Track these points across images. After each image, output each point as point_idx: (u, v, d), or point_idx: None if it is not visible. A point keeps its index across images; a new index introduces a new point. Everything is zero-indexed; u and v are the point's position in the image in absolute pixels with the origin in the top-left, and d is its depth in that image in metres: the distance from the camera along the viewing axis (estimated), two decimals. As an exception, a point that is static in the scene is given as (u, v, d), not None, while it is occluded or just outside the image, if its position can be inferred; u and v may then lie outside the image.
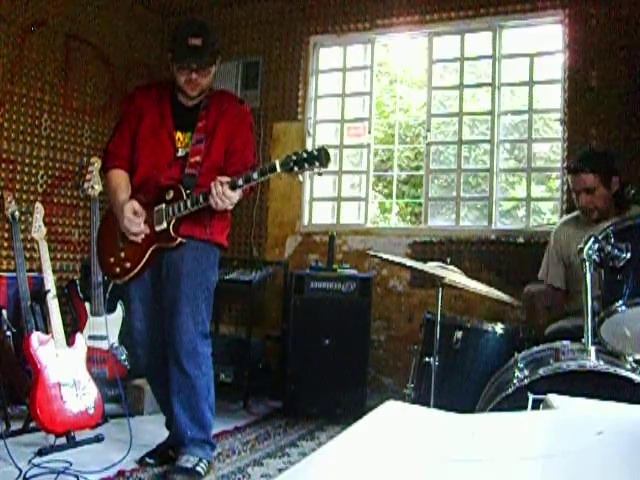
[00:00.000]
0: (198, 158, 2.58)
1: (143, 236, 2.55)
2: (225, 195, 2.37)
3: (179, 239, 2.53)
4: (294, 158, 2.29)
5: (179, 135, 2.64)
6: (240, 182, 2.39)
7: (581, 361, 1.72)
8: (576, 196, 2.91)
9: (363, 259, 4.30)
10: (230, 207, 2.45)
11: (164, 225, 2.53)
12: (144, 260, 2.56)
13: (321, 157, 2.26)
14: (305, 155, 2.28)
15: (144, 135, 2.65)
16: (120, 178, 2.66)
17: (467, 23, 4.24)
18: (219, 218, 2.65)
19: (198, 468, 2.56)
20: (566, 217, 3.19)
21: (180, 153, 2.62)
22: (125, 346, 3.52)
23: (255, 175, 2.38)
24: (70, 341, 2.99)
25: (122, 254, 2.61)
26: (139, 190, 2.63)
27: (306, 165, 2.28)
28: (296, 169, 2.29)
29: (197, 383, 2.59)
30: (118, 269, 2.61)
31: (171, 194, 2.53)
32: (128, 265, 2.59)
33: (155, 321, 2.68)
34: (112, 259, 2.64)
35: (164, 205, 2.53)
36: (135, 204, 2.54)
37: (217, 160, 2.62)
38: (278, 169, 2.32)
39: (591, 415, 0.96)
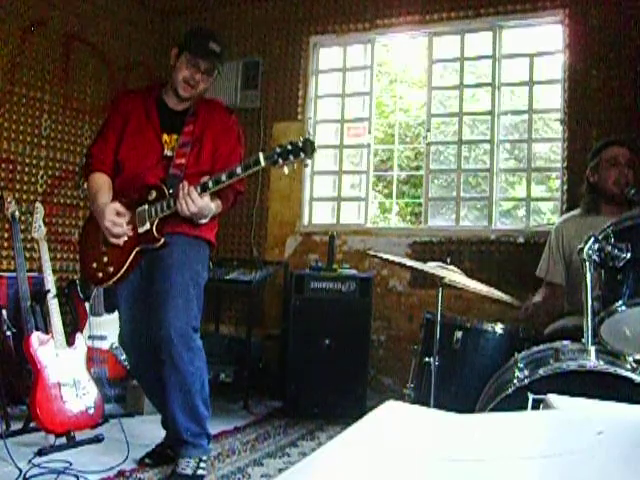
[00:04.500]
0: (183, 160, 2.55)
1: (126, 238, 2.50)
2: (191, 197, 2.34)
3: (162, 240, 2.49)
4: (278, 151, 2.24)
5: (165, 137, 2.62)
6: (210, 184, 2.36)
7: (581, 361, 1.72)
8: (614, 170, 2.91)
9: (363, 259, 4.30)
10: (198, 212, 2.38)
11: (147, 226, 2.49)
12: (128, 262, 2.51)
13: (306, 148, 2.22)
14: (289, 147, 2.23)
15: (130, 137, 2.62)
16: (102, 181, 2.63)
17: (467, 23, 4.24)
18: None
19: (199, 471, 2.55)
20: (567, 214, 3.18)
21: (167, 153, 2.59)
22: (125, 346, 3.52)
23: (239, 170, 2.32)
24: (70, 341, 2.99)
25: (105, 258, 2.55)
26: (123, 192, 2.58)
27: (291, 157, 2.23)
28: (280, 161, 2.24)
29: (190, 379, 2.53)
30: (101, 274, 2.56)
31: (154, 194, 2.49)
32: (111, 269, 2.53)
33: (142, 323, 2.62)
34: (95, 264, 2.58)
35: (147, 205, 2.49)
36: (117, 205, 2.50)
37: (205, 166, 2.58)
38: (262, 162, 2.26)
39: (591, 415, 0.96)
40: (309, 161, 2.31)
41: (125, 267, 2.51)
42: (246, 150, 2.81)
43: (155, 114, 2.64)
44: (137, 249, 2.51)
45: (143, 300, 2.63)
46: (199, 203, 2.37)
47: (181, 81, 2.58)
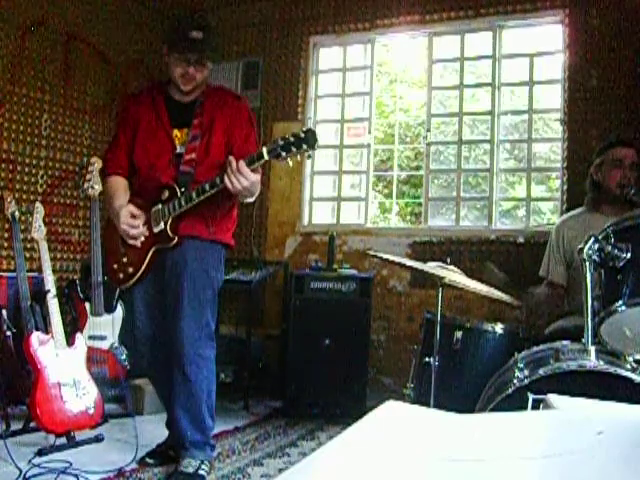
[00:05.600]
0: (193, 155, 2.56)
1: (143, 239, 2.54)
2: (241, 172, 2.26)
3: (176, 238, 2.51)
4: (281, 143, 2.20)
5: (176, 132, 2.62)
6: (255, 158, 2.28)
7: (581, 361, 1.72)
8: (617, 171, 2.90)
9: (363, 259, 4.30)
10: (248, 187, 2.29)
11: (161, 226, 2.52)
12: (145, 263, 2.55)
13: (308, 139, 2.17)
14: (292, 139, 2.19)
15: (142, 138, 2.64)
16: (117, 184, 2.66)
17: (467, 23, 4.24)
18: (222, 216, 2.62)
19: (200, 471, 2.56)
20: (568, 214, 3.18)
21: (179, 150, 2.60)
22: (125, 346, 3.52)
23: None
24: (70, 341, 2.99)
25: (124, 259, 2.61)
26: (140, 193, 2.62)
27: (293, 149, 2.18)
28: (284, 154, 2.20)
29: (198, 387, 2.57)
30: (122, 275, 2.61)
31: (166, 194, 2.51)
32: (131, 270, 2.59)
33: (158, 322, 2.67)
34: (115, 265, 2.64)
35: (160, 205, 2.52)
36: (132, 207, 2.54)
37: (217, 157, 2.56)
38: (265, 156, 2.23)
39: (591, 415, 0.96)
40: (311, 152, 2.24)
41: (143, 267, 2.56)
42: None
43: (164, 111, 2.65)
44: (154, 249, 2.55)
45: (158, 302, 2.66)
46: (251, 177, 2.30)
47: (178, 78, 2.58)
